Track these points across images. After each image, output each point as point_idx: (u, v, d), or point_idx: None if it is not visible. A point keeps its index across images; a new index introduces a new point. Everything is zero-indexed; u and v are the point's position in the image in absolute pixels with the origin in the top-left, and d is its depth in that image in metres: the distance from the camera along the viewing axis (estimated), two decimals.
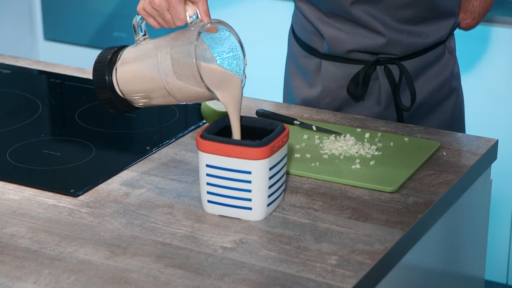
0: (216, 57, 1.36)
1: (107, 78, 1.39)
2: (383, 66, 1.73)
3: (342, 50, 1.72)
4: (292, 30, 1.84)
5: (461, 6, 1.80)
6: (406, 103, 1.75)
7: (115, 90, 1.39)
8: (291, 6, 1.87)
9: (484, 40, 2.52)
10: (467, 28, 1.84)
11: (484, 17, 1.85)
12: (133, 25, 1.41)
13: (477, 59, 2.54)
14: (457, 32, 1.85)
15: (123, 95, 1.40)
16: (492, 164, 1.60)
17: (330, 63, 1.75)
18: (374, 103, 1.75)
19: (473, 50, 2.53)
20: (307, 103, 1.80)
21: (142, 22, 1.41)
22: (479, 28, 2.46)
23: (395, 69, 1.73)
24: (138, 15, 1.40)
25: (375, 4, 1.68)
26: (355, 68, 1.73)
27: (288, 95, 1.88)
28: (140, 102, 1.40)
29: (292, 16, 1.84)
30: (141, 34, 1.41)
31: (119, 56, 1.40)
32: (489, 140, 1.59)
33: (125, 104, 1.41)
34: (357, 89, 1.73)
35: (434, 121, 1.79)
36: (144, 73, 1.36)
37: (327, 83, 1.76)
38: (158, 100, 1.38)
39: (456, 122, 1.83)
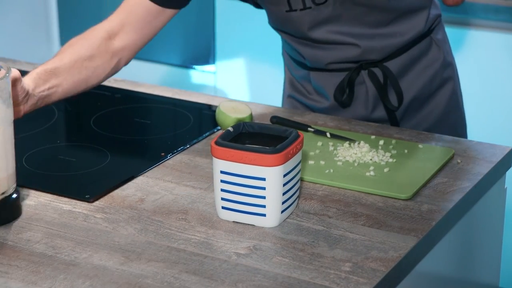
0: None
1: None
2: (367, 70, 1.73)
3: (322, 64, 1.73)
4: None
5: None
6: (395, 102, 1.74)
7: None
8: None
9: (508, 48, 2.51)
10: (454, 4, 1.82)
11: None
12: None
13: (496, 66, 2.53)
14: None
15: None
16: (507, 172, 1.59)
17: (316, 73, 1.76)
18: (363, 107, 1.75)
19: (492, 58, 2.52)
20: (302, 108, 1.81)
21: None
22: (502, 36, 2.45)
23: (379, 71, 1.73)
24: None
25: (335, 21, 1.67)
26: (341, 76, 1.73)
27: (286, 97, 1.89)
28: None
29: None
30: None
31: None
32: (504, 148, 1.59)
33: None
34: (344, 96, 1.73)
35: (428, 112, 1.78)
36: None
37: (317, 91, 1.77)
38: None
39: (453, 109, 1.81)
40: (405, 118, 1.76)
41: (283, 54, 1.86)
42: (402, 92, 1.72)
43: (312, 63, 1.74)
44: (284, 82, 1.89)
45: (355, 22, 1.67)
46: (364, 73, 1.73)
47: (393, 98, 1.74)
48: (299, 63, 1.79)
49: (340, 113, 1.76)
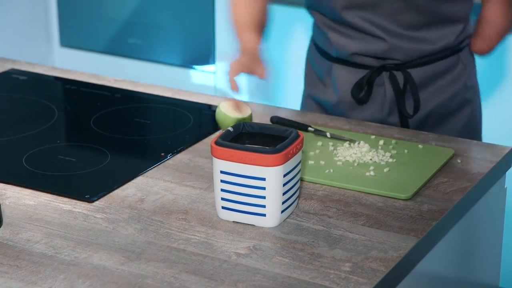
0: None
1: None
2: (388, 72, 1.73)
3: (347, 54, 1.74)
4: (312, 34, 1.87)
5: (475, 32, 1.80)
6: (411, 110, 1.75)
7: None
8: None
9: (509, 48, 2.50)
10: (479, 52, 1.83)
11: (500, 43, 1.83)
12: None
13: (497, 66, 2.52)
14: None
15: None
16: (507, 172, 1.59)
17: (340, 66, 1.76)
18: (379, 109, 1.76)
19: (494, 58, 2.51)
20: (320, 104, 1.82)
21: None
22: None
23: (401, 76, 1.73)
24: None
25: (370, 9, 1.68)
26: (362, 73, 1.74)
27: (304, 97, 1.89)
28: None
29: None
30: None
31: None
32: (504, 148, 1.59)
33: None
34: (361, 93, 1.73)
35: (445, 131, 1.78)
36: None
37: (337, 86, 1.78)
38: None
39: (471, 133, 1.81)
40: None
41: (309, 48, 1.87)
42: (420, 100, 1.73)
43: (337, 51, 1.75)
44: (304, 83, 1.90)
45: (389, 18, 1.68)
46: (385, 75, 1.73)
47: (409, 106, 1.74)
48: (324, 54, 1.79)
49: (354, 113, 1.76)
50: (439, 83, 1.75)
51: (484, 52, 1.82)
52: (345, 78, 1.76)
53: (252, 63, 1.68)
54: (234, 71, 1.66)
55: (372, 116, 1.76)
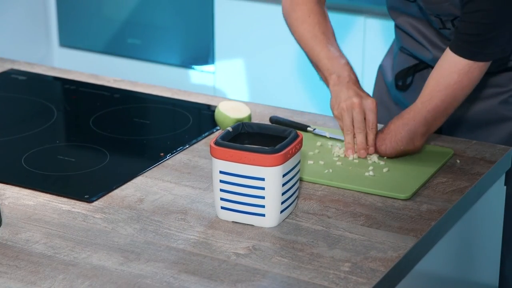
0: None
1: None
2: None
3: (399, 44, 1.77)
4: None
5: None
6: None
7: None
8: None
9: None
10: (381, 153, 1.54)
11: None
12: None
13: None
14: None
15: None
16: (507, 172, 1.59)
17: (400, 53, 1.79)
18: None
19: None
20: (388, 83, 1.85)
21: None
22: None
23: None
24: None
25: (417, 18, 1.68)
26: (411, 62, 1.76)
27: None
28: None
29: None
30: None
31: None
32: (504, 148, 1.59)
33: None
34: (400, 81, 1.76)
35: (486, 137, 1.70)
36: None
37: (394, 66, 1.82)
38: None
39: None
40: (451, 135, 1.71)
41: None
42: None
43: (396, 38, 1.79)
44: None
45: (435, 32, 1.67)
46: (430, 71, 1.72)
47: None
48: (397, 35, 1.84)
49: (400, 95, 1.77)
50: (475, 94, 1.66)
51: (384, 151, 1.54)
52: (399, 62, 1.79)
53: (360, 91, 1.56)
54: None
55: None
